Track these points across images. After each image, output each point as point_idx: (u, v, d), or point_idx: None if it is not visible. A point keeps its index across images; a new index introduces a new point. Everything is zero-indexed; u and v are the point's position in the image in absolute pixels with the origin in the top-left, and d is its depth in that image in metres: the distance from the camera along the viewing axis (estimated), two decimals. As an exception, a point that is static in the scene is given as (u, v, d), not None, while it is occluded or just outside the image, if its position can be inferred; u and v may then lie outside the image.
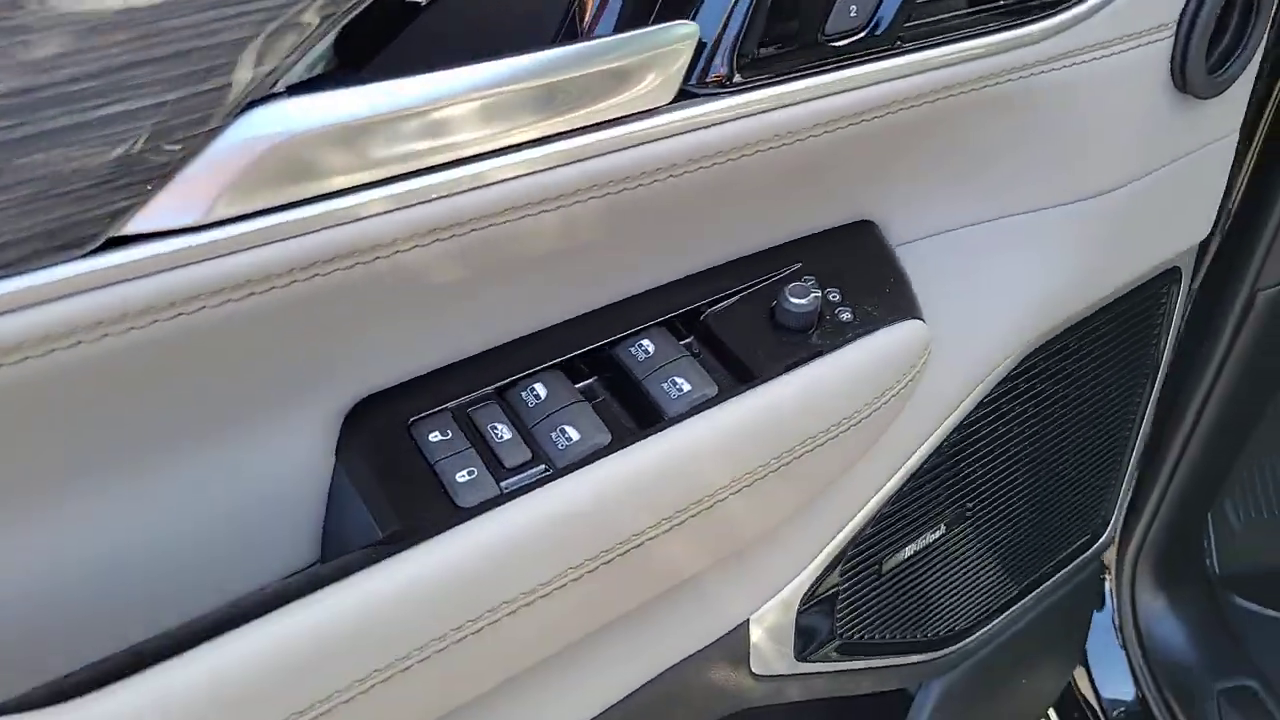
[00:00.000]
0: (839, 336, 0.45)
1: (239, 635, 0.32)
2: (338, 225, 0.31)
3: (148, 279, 0.28)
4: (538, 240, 0.37)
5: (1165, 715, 1.02)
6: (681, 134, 0.37)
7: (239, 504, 0.38)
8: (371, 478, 0.38)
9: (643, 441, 0.39)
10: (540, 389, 0.41)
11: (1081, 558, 0.82)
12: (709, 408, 0.41)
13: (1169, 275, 0.65)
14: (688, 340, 0.45)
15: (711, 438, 0.41)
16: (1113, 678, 1.07)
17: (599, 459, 0.39)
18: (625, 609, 0.43)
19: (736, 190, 0.42)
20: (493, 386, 0.41)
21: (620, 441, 0.39)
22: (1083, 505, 0.78)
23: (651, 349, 0.43)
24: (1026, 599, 0.78)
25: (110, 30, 0.27)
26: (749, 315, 0.46)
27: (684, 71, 0.36)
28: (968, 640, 0.73)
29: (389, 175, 0.32)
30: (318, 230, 0.31)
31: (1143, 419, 0.75)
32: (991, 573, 0.72)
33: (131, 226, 0.28)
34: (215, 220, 0.29)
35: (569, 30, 0.37)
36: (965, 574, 0.68)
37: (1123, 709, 1.06)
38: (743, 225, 0.46)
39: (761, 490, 0.43)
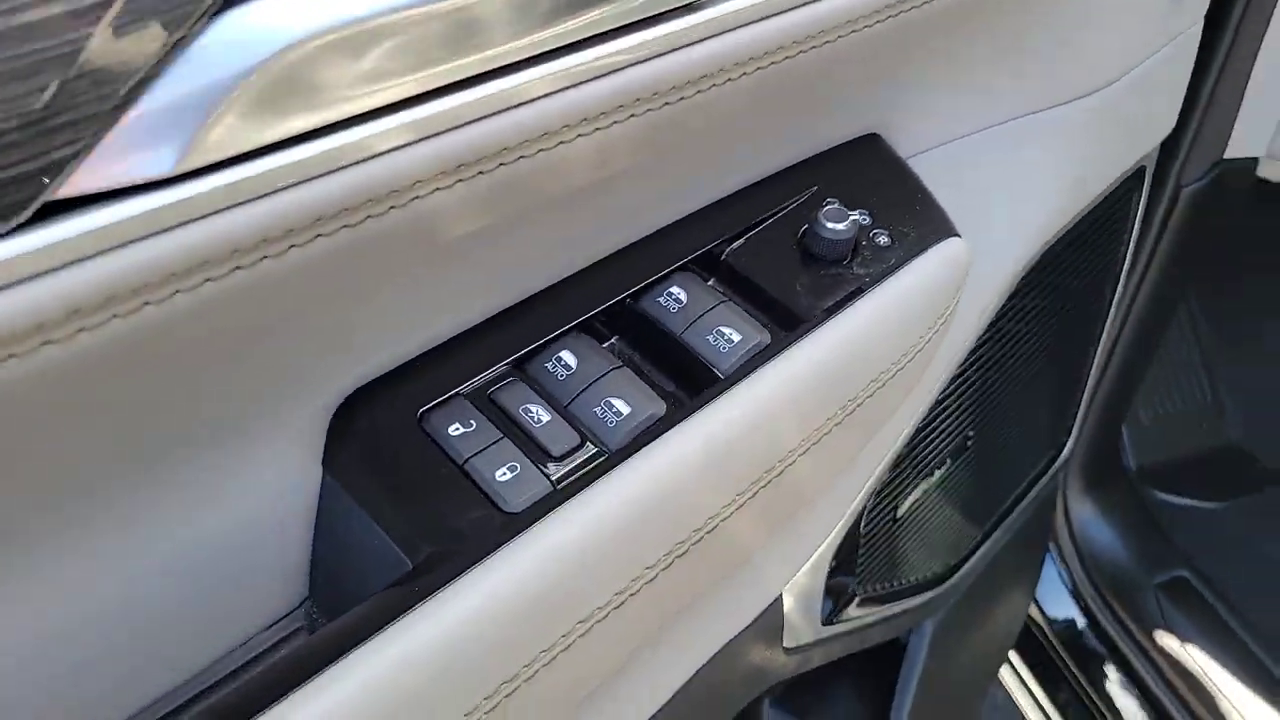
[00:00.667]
0: (883, 264, 0.40)
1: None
2: (348, 167, 0.23)
3: (101, 258, 0.20)
4: (570, 174, 0.30)
5: (1108, 618, 1.04)
6: (722, 34, 0.31)
7: (204, 549, 0.30)
8: (382, 491, 0.30)
9: (705, 408, 0.33)
10: (569, 357, 0.34)
11: (1047, 474, 0.81)
12: (767, 360, 0.35)
13: (1138, 175, 0.63)
14: (712, 284, 0.38)
15: (777, 394, 0.34)
16: (1053, 591, 1.09)
17: (660, 434, 0.32)
18: (693, 599, 0.37)
19: (761, 103, 0.36)
20: (510, 360, 0.33)
21: (679, 410, 0.33)
22: (1048, 421, 0.77)
23: (684, 297, 0.37)
24: (1003, 524, 0.76)
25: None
26: (776, 249, 0.40)
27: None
28: (959, 574, 0.71)
29: (404, 97, 0.24)
30: (321, 175, 0.23)
31: (1104, 327, 0.74)
32: (979, 502, 0.70)
33: (72, 186, 0.19)
34: (187, 170, 0.21)
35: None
36: (959, 506, 0.65)
37: (1067, 619, 1.07)
38: (761, 146, 0.40)
39: (828, 446, 0.37)
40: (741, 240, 0.40)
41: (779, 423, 0.34)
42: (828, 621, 0.54)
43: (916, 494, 0.57)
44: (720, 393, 0.33)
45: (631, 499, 0.30)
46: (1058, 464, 0.81)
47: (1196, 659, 0.98)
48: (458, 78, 0.25)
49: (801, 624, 0.51)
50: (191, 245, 0.21)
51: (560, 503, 0.30)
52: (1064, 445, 0.81)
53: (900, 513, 0.56)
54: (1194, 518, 1.10)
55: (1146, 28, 0.53)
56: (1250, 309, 1.21)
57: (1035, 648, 1.08)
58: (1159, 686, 0.99)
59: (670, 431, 0.32)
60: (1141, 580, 1.06)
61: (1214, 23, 0.62)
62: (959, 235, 0.42)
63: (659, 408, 0.33)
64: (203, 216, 0.21)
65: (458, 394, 0.32)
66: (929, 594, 0.67)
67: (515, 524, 0.29)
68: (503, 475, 0.30)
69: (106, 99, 0.19)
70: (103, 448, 0.25)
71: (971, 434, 0.59)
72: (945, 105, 0.47)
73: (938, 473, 0.58)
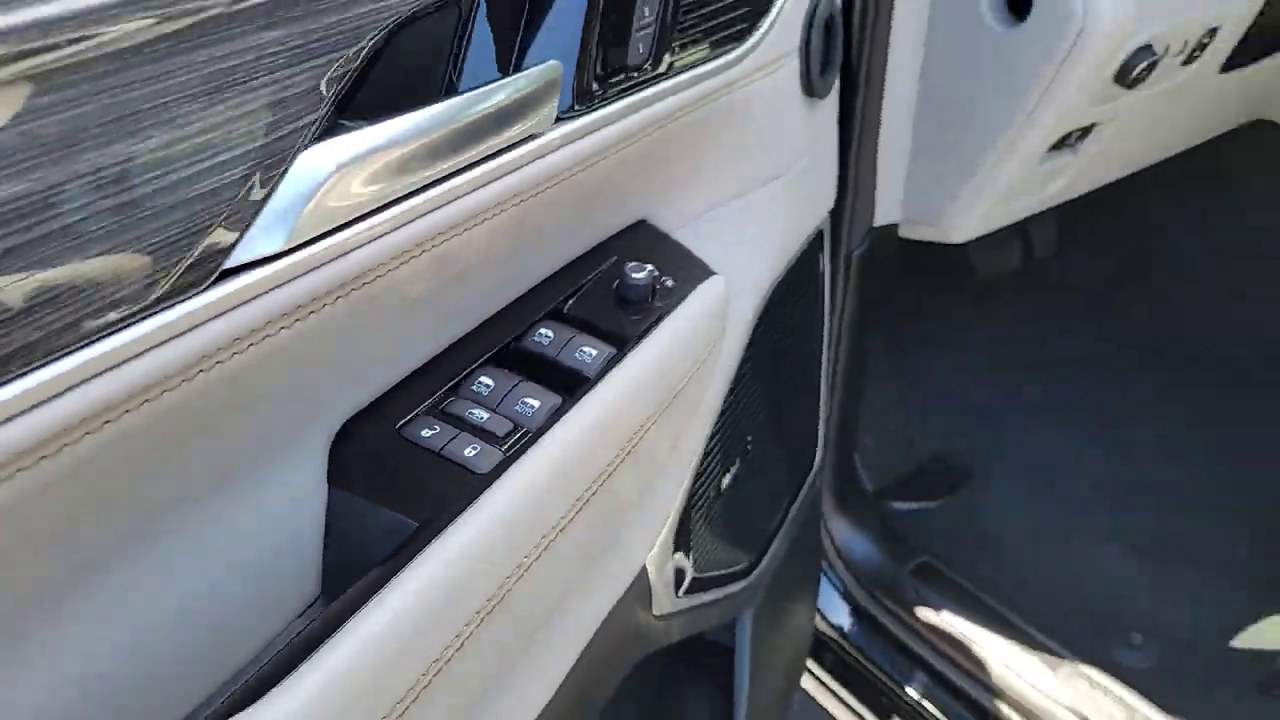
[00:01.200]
0: (673, 299, 0.58)
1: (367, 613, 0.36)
2: (352, 251, 0.37)
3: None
4: (475, 249, 0.45)
5: (878, 609, 1.26)
6: (563, 147, 0.48)
7: (236, 563, 0.41)
8: (383, 483, 0.43)
9: (587, 396, 0.48)
10: (487, 379, 0.48)
11: (806, 483, 1.01)
12: (615, 365, 0.51)
13: (819, 239, 0.87)
14: (566, 324, 0.55)
15: (626, 385, 0.51)
16: (831, 601, 1.30)
17: (561, 416, 0.47)
18: (605, 540, 0.51)
19: (586, 196, 0.54)
20: (449, 386, 0.48)
21: (568, 400, 0.48)
22: (801, 446, 0.98)
23: (551, 334, 0.52)
24: (782, 530, 0.95)
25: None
26: (602, 298, 0.57)
27: (557, 100, 0.47)
28: (757, 571, 0.88)
29: (386, 202, 0.39)
30: (334, 260, 0.37)
31: (822, 365, 0.97)
32: (763, 502, 0.88)
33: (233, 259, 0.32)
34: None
35: (449, 85, 0.46)
36: (749, 505, 0.84)
37: (844, 622, 1.28)
38: (576, 233, 0.57)
39: (666, 421, 0.54)
40: (576, 296, 0.57)
41: (632, 405, 0.51)
42: (681, 595, 0.69)
43: (718, 489, 0.74)
44: (591, 388, 0.49)
45: (557, 456, 0.45)
46: (812, 475, 1.02)
47: (952, 622, 1.21)
48: (414, 188, 0.40)
49: (663, 595, 0.66)
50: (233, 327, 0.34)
51: (510, 464, 0.44)
52: (814, 461, 1.03)
53: (708, 504, 0.73)
54: (922, 515, 1.36)
55: (801, 131, 0.77)
56: (922, 344, 1.54)
57: (827, 654, 1.27)
58: (930, 654, 1.21)
59: (569, 414, 0.47)
60: (896, 572, 1.28)
61: (843, 122, 0.89)
62: (718, 274, 0.61)
63: (556, 400, 0.48)
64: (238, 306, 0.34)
65: (419, 412, 0.46)
66: (745, 581, 0.84)
67: (486, 480, 0.43)
68: (470, 452, 0.44)
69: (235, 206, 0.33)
70: (149, 500, 0.36)
71: (750, 439, 0.78)
72: (689, 193, 0.67)
73: (731, 471, 0.75)
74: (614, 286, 0.57)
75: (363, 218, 0.38)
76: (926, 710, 1.19)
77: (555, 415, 0.47)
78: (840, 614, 1.28)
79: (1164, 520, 1.31)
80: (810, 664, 1.29)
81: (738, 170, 0.70)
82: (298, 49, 0.33)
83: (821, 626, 1.28)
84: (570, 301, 0.56)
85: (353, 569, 0.44)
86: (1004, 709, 1.13)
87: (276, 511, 0.42)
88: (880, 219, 1.09)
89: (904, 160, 1.06)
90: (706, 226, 0.70)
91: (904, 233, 1.14)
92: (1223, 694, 1.06)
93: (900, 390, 1.45)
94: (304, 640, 0.37)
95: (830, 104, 0.80)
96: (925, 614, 1.23)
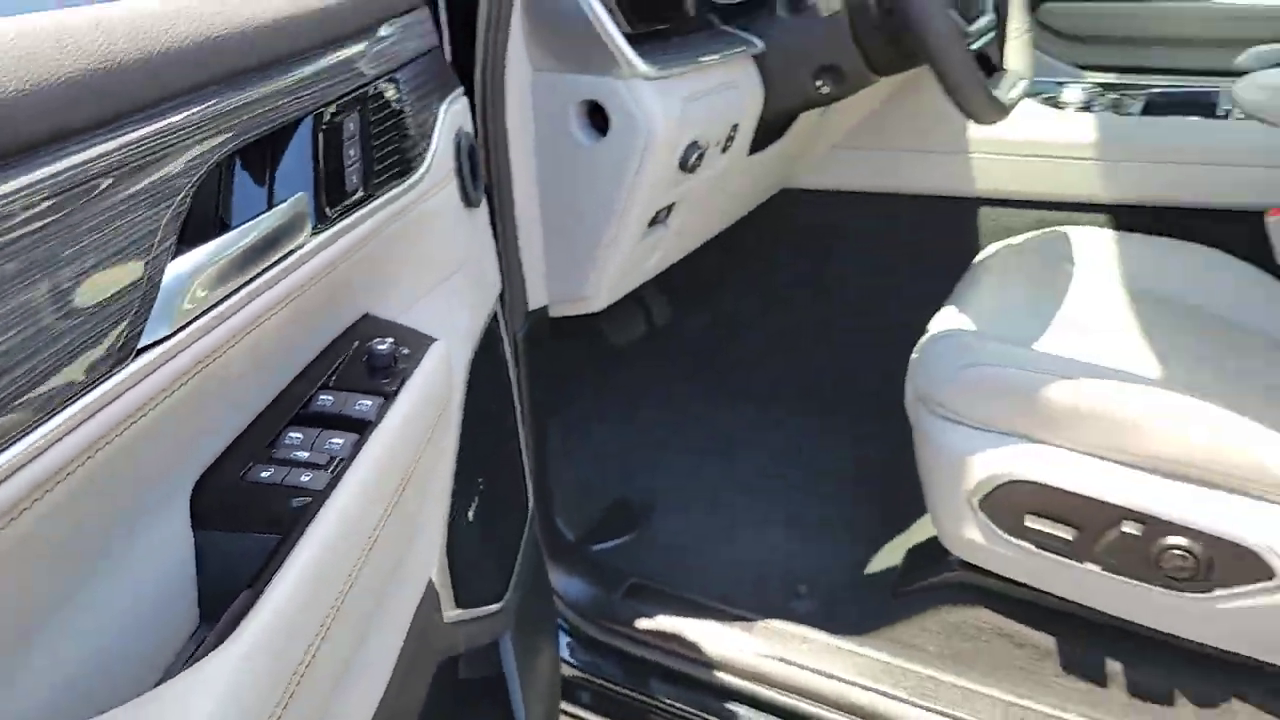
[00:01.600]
0: (414, 360, 0.75)
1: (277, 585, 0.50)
2: (192, 344, 0.52)
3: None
4: (267, 339, 0.61)
5: (601, 633, 1.46)
6: (315, 256, 0.65)
7: (124, 607, 0.52)
8: (242, 516, 0.56)
9: (375, 434, 0.65)
10: (295, 434, 0.63)
11: (526, 531, 1.20)
12: (388, 408, 0.68)
13: (494, 320, 1.08)
14: (342, 390, 0.70)
15: (399, 423, 0.68)
16: (569, 643, 1.48)
17: (362, 445, 0.63)
18: (403, 549, 0.67)
19: (333, 293, 0.70)
20: (270, 441, 0.61)
21: (361, 440, 0.64)
22: (516, 492, 1.17)
23: (331, 398, 0.68)
24: (519, 563, 1.13)
25: None
26: (357, 368, 0.73)
27: (309, 221, 0.64)
28: (509, 595, 1.05)
29: (216, 302, 0.54)
30: (179, 354, 0.51)
31: (516, 426, 1.17)
32: (504, 538, 1.05)
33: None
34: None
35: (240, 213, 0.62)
36: (489, 537, 1.00)
37: (587, 658, 1.46)
38: (333, 317, 0.73)
39: (429, 454, 0.71)
40: (339, 370, 0.72)
41: (407, 440, 0.68)
42: (457, 607, 0.84)
43: (468, 519, 0.91)
44: (377, 425, 0.65)
45: (367, 473, 0.61)
46: (529, 525, 1.20)
47: (666, 623, 1.43)
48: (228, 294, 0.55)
49: (447, 603, 0.81)
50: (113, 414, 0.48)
51: (338, 480, 0.59)
52: (530, 516, 1.22)
53: (463, 530, 0.89)
54: (621, 548, 1.60)
55: (468, 234, 0.98)
56: (585, 407, 1.80)
57: (579, 692, 1.44)
58: (657, 655, 1.42)
59: (366, 443, 0.63)
60: (610, 600, 1.49)
61: (494, 225, 1.12)
62: (439, 340, 0.80)
63: (354, 436, 0.64)
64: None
65: (253, 462, 0.59)
66: (497, 605, 1.00)
67: (323, 495, 0.58)
68: (305, 478, 0.58)
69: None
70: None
71: (481, 481, 0.96)
72: (398, 289, 0.85)
73: (474, 505, 0.92)
74: (364, 359, 0.74)
75: (198, 318, 0.52)
76: (674, 707, 1.40)
77: (358, 445, 0.63)
78: (577, 652, 1.46)
79: (791, 504, 1.66)
80: (566, 705, 1.45)
81: (429, 267, 0.89)
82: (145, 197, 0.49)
83: (567, 671, 1.45)
84: (335, 375, 0.71)
85: (227, 593, 0.56)
86: (721, 675, 1.37)
87: (154, 558, 0.53)
88: (533, 303, 1.33)
89: (540, 252, 1.32)
90: (413, 315, 0.88)
91: (554, 312, 1.39)
92: (869, 602, 1.39)
93: (571, 447, 1.69)
94: (190, 660, 0.49)
95: (483, 211, 1.03)
96: (644, 624, 1.44)
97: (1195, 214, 1.62)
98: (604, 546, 1.61)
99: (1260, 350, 1.34)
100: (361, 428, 0.66)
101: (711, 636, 1.39)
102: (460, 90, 1.00)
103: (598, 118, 1.24)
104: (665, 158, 1.24)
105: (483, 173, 1.00)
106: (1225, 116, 1.67)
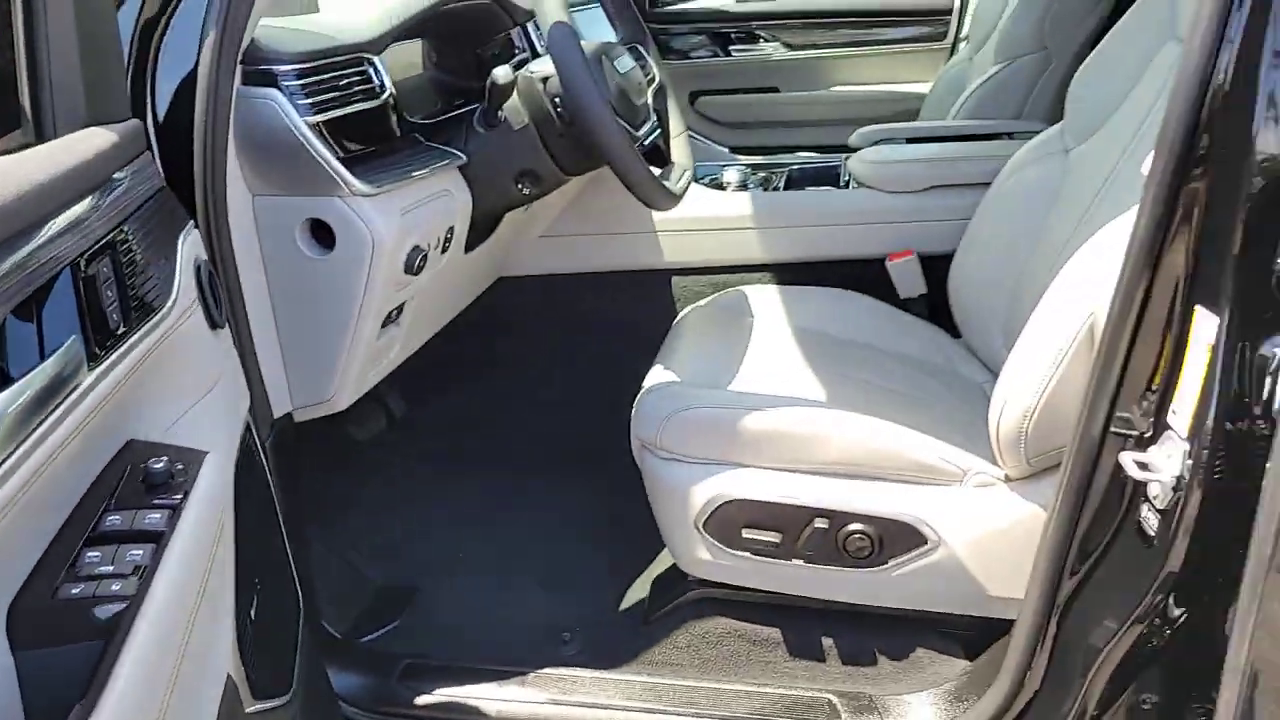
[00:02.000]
0: (192, 473, 0.83)
1: None
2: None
3: None
4: (57, 472, 0.68)
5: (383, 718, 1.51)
6: (92, 390, 0.72)
7: None
8: (68, 630, 0.63)
9: (172, 539, 0.72)
10: (93, 553, 0.69)
11: (300, 628, 1.25)
12: (177, 519, 0.76)
13: (250, 430, 1.15)
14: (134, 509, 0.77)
15: (192, 529, 0.76)
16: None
17: (162, 554, 0.71)
18: (207, 643, 0.74)
19: (110, 422, 0.77)
20: (68, 564, 0.68)
21: (160, 544, 0.72)
22: (287, 592, 1.22)
23: (119, 517, 0.75)
24: (298, 661, 1.18)
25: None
26: (135, 489, 0.80)
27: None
28: (293, 689, 1.11)
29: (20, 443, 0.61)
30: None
31: (280, 529, 1.23)
32: (281, 636, 1.11)
33: None
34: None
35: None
36: (273, 634, 1.06)
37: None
38: (108, 445, 0.79)
39: (220, 548, 0.79)
40: (118, 494, 0.78)
41: (198, 543, 0.76)
42: (253, 699, 0.90)
43: (250, 617, 0.97)
44: (170, 536, 0.73)
45: (173, 578, 0.69)
46: (302, 623, 1.26)
47: (449, 693, 1.51)
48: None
49: (246, 699, 0.88)
50: None
51: (147, 586, 0.66)
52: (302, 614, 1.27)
53: (248, 627, 0.96)
54: (389, 636, 1.65)
55: (217, 353, 1.05)
56: (339, 503, 1.85)
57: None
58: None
59: (167, 548, 0.71)
60: (387, 684, 1.55)
61: (236, 341, 1.19)
62: (209, 452, 0.88)
63: (150, 548, 0.71)
64: None
65: (60, 581, 0.65)
66: (283, 699, 1.06)
67: (137, 598, 0.65)
68: (115, 587, 0.65)
69: None
70: None
71: (258, 581, 1.02)
72: (164, 408, 0.91)
73: (254, 604, 0.99)
74: (141, 479, 0.80)
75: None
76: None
77: (157, 553, 0.70)
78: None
79: (548, 560, 1.80)
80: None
81: (185, 389, 0.97)
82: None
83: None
84: (115, 497, 0.78)
85: (56, 708, 0.62)
86: (506, 730, 1.47)
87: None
88: (278, 411, 1.40)
89: (279, 362, 1.39)
90: (174, 435, 0.94)
91: (299, 416, 1.46)
92: (625, 634, 1.56)
93: (332, 544, 1.74)
94: None
95: (227, 331, 1.11)
96: (423, 700, 1.52)
97: (837, 264, 1.98)
98: (374, 636, 1.66)
99: (897, 368, 1.67)
100: (156, 538, 0.73)
101: (488, 697, 1.49)
102: (191, 223, 1.08)
103: (322, 233, 1.35)
104: (391, 264, 1.37)
105: (221, 296, 1.09)
106: (848, 185, 2.06)
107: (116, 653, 0.60)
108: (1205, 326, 0.97)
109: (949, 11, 2.99)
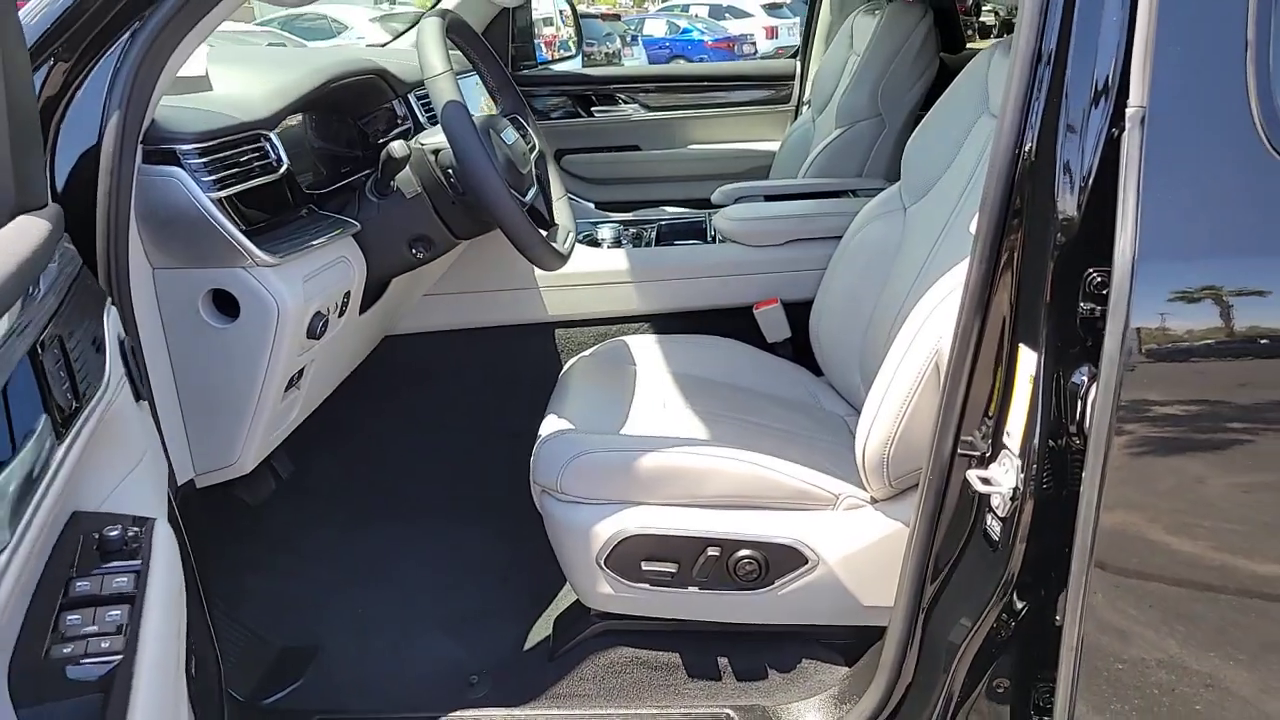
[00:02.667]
0: (146, 539, 0.88)
1: None
2: None
3: None
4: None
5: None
6: (63, 469, 0.77)
7: None
8: (59, 688, 0.68)
9: (148, 597, 0.78)
10: (73, 616, 0.74)
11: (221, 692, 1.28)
12: (146, 579, 0.81)
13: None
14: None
15: (161, 587, 0.81)
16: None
17: (142, 610, 0.76)
18: (181, 684, 0.80)
19: (59, 501, 0.82)
20: (52, 628, 0.72)
21: (136, 603, 0.77)
22: (205, 659, 1.25)
23: (88, 582, 0.79)
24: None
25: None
26: (91, 557, 0.84)
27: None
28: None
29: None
30: None
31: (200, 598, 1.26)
32: (211, 697, 1.14)
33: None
34: None
35: None
36: (204, 689, 1.10)
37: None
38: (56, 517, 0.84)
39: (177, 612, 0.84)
40: (78, 563, 0.83)
41: (163, 605, 0.81)
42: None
43: (191, 670, 1.01)
44: (145, 593, 0.78)
45: (156, 631, 0.74)
46: (221, 686, 1.29)
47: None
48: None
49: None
50: None
51: (135, 639, 0.72)
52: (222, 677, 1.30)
53: (190, 681, 1.00)
54: (295, 694, 1.67)
55: (145, 424, 1.09)
56: (234, 576, 1.85)
57: None
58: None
59: (144, 610, 0.76)
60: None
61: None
62: (156, 518, 0.93)
63: (126, 607, 0.76)
64: None
65: (48, 644, 0.70)
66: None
67: (130, 650, 0.70)
68: (104, 644, 0.71)
69: None
70: None
71: (193, 641, 1.06)
72: (105, 478, 0.95)
73: (191, 660, 1.03)
74: (96, 547, 0.85)
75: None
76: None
77: (135, 611, 0.76)
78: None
79: (452, 605, 1.86)
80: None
81: (121, 458, 1.01)
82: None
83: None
84: (77, 565, 0.82)
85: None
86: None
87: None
88: (181, 478, 1.42)
89: (181, 429, 1.42)
90: (113, 504, 0.98)
91: (201, 483, 1.49)
92: (532, 671, 1.64)
93: (234, 609, 1.75)
94: None
95: (147, 403, 1.15)
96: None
97: (709, 313, 2.15)
98: (277, 696, 1.67)
99: (769, 406, 1.83)
100: (129, 600, 0.78)
101: (404, 744, 1.54)
102: (110, 300, 1.12)
103: (224, 303, 1.40)
104: (296, 330, 1.43)
105: (146, 369, 1.13)
106: (714, 239, 2.24)
107: (122, 705, 0.66)
108: (1027, 361, 1.16)
109: (791, 77, 3.26)
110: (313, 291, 1.46)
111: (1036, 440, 1.15)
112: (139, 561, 0.83)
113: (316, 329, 1.48)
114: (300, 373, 1.56)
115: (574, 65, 3.62)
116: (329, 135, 1.74)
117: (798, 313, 2.06)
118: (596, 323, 2.16)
